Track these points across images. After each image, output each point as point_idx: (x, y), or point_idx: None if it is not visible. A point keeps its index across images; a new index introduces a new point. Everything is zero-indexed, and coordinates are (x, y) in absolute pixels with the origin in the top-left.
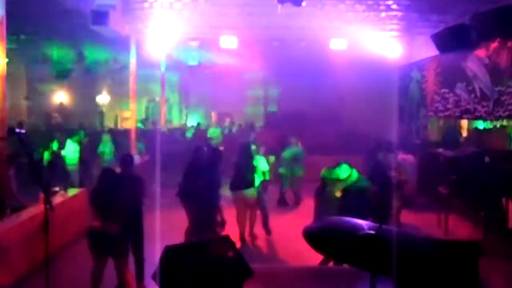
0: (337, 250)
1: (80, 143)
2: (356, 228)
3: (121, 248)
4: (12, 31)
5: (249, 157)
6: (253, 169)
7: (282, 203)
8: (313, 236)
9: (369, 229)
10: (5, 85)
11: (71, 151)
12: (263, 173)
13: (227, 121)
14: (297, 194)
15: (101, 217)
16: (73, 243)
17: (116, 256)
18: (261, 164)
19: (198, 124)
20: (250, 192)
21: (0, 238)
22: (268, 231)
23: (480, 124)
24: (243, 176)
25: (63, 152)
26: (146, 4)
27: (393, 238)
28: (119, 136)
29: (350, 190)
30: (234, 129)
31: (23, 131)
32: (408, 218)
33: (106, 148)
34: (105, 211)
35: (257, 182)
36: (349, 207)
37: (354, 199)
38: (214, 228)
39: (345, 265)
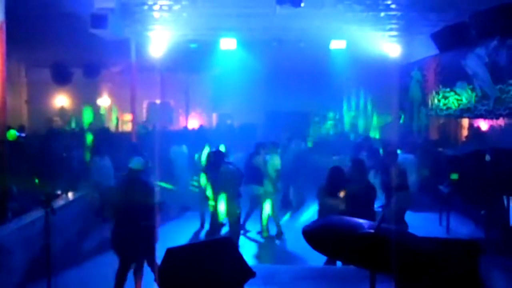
0: (337, 249)
1: None
2: (356, 227)
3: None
4: (12, 35)
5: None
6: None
7: (286, 203)
8: (312, 235)
9: (369, 228)
10: (6, 89)
11: None
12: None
13: (228, 122)
14: (300, 194)
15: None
16: (75, 247)
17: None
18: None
19: (201, 126)
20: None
21: (2, 241)
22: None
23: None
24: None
25: None
26: (145, 7)
27: (393, 237)
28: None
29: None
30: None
31: (23, 134)
32: (409, 217)
33: None
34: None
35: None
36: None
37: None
38: None
39: (345, 265)
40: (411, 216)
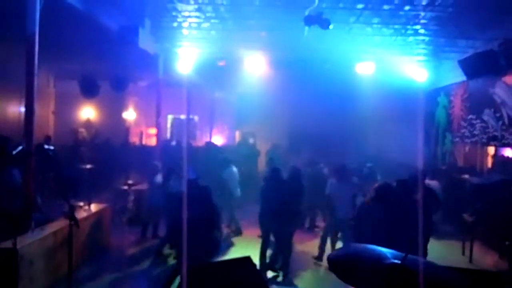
0: (362, 279)
1: None
2: (381, 257)
3: None
4: (42, 46)
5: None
6: None
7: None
8: (337, 264)
9: (394, 258)
10: (34, 99)
11: None
12: None
13: (251, 140)
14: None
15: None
16: (95, 258)
17: None
18: None
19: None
20: None
21: (24, 251)
22: None
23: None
24: None
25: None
26: (174, 24)
27: (418, 267)
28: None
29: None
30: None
31: (51, 147)
32: (432, 245)
33: None
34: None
35: None
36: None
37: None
38: None
39: None
40: (434, 244)
